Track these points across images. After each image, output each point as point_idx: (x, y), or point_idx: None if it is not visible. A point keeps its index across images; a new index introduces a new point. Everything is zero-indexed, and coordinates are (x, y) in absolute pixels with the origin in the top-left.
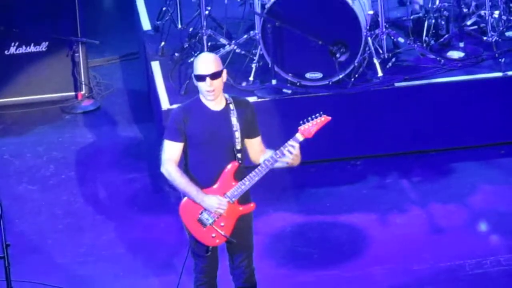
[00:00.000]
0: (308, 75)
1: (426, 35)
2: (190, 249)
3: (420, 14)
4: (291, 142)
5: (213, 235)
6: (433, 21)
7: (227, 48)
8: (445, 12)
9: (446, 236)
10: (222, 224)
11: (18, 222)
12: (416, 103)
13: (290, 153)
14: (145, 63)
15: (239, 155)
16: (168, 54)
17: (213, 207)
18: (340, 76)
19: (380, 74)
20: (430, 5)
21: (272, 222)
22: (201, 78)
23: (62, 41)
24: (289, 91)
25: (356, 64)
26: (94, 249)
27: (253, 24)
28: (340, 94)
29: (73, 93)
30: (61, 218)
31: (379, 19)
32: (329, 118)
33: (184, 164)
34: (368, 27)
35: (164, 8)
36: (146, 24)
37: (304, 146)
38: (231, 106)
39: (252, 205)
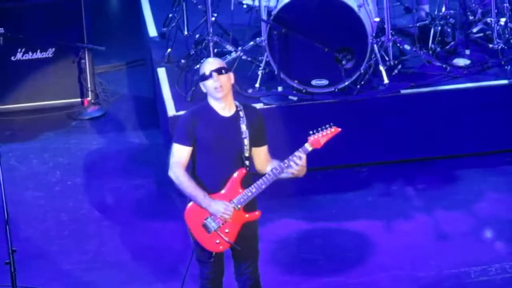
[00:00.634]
0: (314, 82)
1: (432, 43)
2: (195, 256)
3: (426, 22)
4: (298, 152)
5: (217, 241)
6: (439, 28)
7: (233, 54)
8: (451, 19)
9: (452, 243)
10: (226, 230)
11: (24, 228)
12: (422, 110)
13: (296, 164)
14: (151, 69)
15: (247, 162)
16: (174, 61)
17: (219, 212)
18: (346, 83)
19: (386, 81)
20: (436, 13)
21: (278, 229)
22: (208, 76)
23: (68, 48)
24: (295, 98)
25: (362, 71)
26: (100, 256)
27: (259, 31)
28: (346, 101)
29: (79, 100)
30: (66, 224)
31: (385, 26)
32: (339, 129)
33: (192, 169)
34: (374, 34)
35: (170, 15)
36: (152, 31)
37: (310, 152)
38: (241, 113)
39: (257, 213)
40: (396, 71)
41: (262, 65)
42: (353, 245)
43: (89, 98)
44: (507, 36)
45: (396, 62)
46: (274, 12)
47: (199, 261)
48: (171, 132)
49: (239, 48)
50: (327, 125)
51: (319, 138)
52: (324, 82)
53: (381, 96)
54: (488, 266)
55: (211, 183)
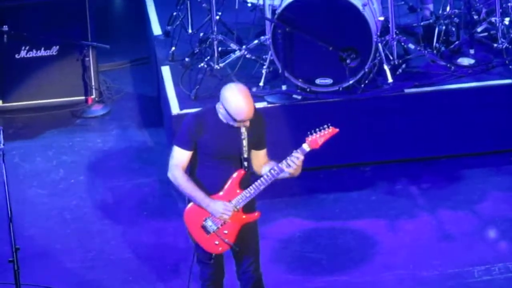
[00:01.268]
0: (318, 81)
1: (437, 42)
2: (196, 256)
3: (431, 21)
4: (296, 153)
5: (216, 242)
6: (444, 27)
7: (237, 53)
8: (455, 18)
9: (455, 242)
10: (225, 231)
11: (27, 226)
12: (426, 109)
13: (294, 163)
14: (155, 68)
15: (245, 164)
16: (178, 59)
17: (218, 212)
18: (350, 82)
19: (390, 80)
20: (440, 12)
21: (281, 228)
22: (239, 121)
23: (72, 45)
24: (299, 97)
25: (366, 70)
26: (103, 254)
27: (263, 29)
28: (350, 100)
29: (83, 98)
30: (70, 223)
31: (390, 25)
32: (337, 130)
33: (190, 169)
34: (378, 33)
35: (174, 13)
36: (156, 29)
37: (314, 151)
38: None
39: (256, 214)
40: (400, 70)
41: (266, 63)
42: (356, 244)
43: (93, 96)
44: (511, 35)
45: (400, 61)
46: (278, 11)
47: (199, 262)
48: (175, 131)
49: (243, 46)
50: (325, 125)
51: (317, 138)
52: (329, 81)
53: (385, 95)
54: (491, 266)
55: (210, 184)
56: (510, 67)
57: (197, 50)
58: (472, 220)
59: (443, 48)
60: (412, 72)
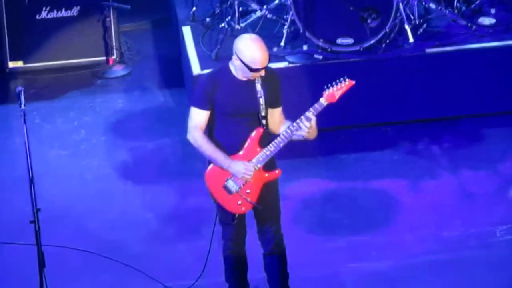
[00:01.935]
0: (339, 41)
1: (457, 1)
2: (218, 217)
3: None
4: (309, 113)
5: (239, 202)
6: None
7: (258, 13)
8: None
9: (477, 202)
10: (248, 191)
11: (48, 187)
12: (447, 69)
13: (306, 126)
14: (176, 28)
15: (264, 122)
16: (199, 19)
17: (240, 172)
18: (371, 42)
19: (411, 40)
20: None
21: (302, 188)
22: (254, 69)
23: (93, 6)
24: (320, 57)
25: (387, 30)
26: (125, 215)
27: None
28: (371, 60)
29: (104, 58)
30: (91, 184)
31: None
32: (353, 82)
33: (209, 130)
34: None
35: None
36: None
37: (335, 111)
38: None
39: (277, 171)
40: (421, 30)
41: (287, 23)
42: (377, 204)
43: (114, 57)
44: None
45: (421, 21)
46: None
47: (221, 223)
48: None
49: (264, 6)
50: (341, 78)
51: (334, 92)
52: (350, 41)
53: (406, 55)
54: None
55: (230, 144)
56: None
57: (218, 10)
58: (493, 179)
59: (464, 8)
60: (433, 32)
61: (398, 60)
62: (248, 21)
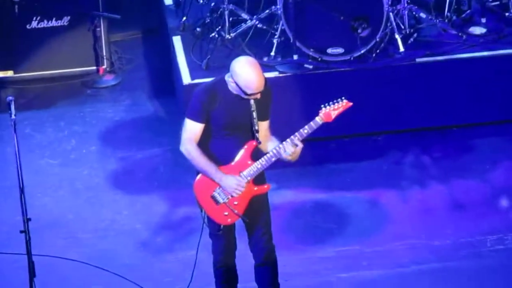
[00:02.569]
0: (329, 51)
1: (448, 11)
2: (208, 229)
3: None
4: (309, 125)
5: (226, 213)
6: None
7: (249, 23)
8: None
9: (467, 212)
10: (235, 202)
11: (39, 196)
12: (438, 78)
13: (291, 149)
14: (167, 38)
15: (257, 135)
16: (189, 29)
17: (230, 187)
18: (362, 52)
19: (401, 49)
20: None
21: (293, 198)
22: (249, 94)
23: (83, 16)
24: (311, 66)
25: (377, 39)
26: (115, 224)
27: None
28: (362, 70)
29: (94, 68)
30: (81, 193)
31: None
32: (351, 103)
33: (202, 142)
34: (390, 3)
35: None
36: None
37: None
38: None
39: (266, 186)
40: (411, 39)
41: (278, 33)
42: (368, 214)
43: (104, 66)
44: None
45: (411, 30)
46: None
47: (210, 234)
48: (186, 101)
49: (255, 16)
50: (339, 99)
51: (330, 111)
52: (340, 50)
53: (396, 65)
54: (504, 235)
55: (221, 156)
56: None
57: (208, 20)
58: (483, 189)
59: (454, 17)
60: (424, 41)
61: (389, 69)
62: (239, 30)
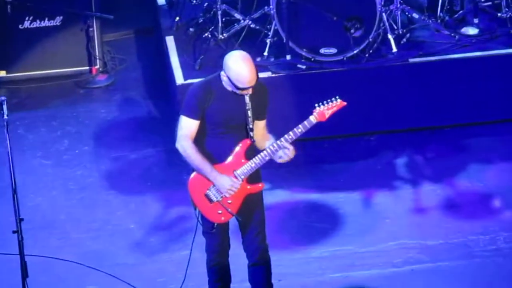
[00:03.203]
0: (322, 51)
1: (441, 11)
2: (202, 229)
3: None
4: (302, 124)
5: (219, 211)
6: None
7: (242, 23)
8: None
9: (460, 212)
10: (229, 201)
11: (32, 197)
12: (430, 78)
13: (286, 154)
14: (160, 38)
15: (251, 134)
16: (182, 29)
17: (224, 187)
18: (355, 52)
19: (394, 49)
20: None
21: (286, 197)
22: (241, 88)
23: (76, 16)
24: (304, 67)
25: (370, 39)
26: (108, 224)
27: None
28: (355, 70)
29: (87, 68)
30: (75, 193)
31: None
32: (345, 103)
33: (196, 139)
34: (382, 3)
35: None
36: None
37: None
38: None
39: (260, 185)
40: (404, 39)
41: (271, 33)
42: (361, 214)
43: (97, 67)
44: None
45: (404, 30)
46: None
47: (204, 233)
48: (179, 101)
49: (248, 16)
50: (333, 98)
51: (324, 110)
52: (333, 50)
53: (389, 65)
54: (496, 235)
55: (216, 153)
56: None
57: (202, 20)
58: (476, 189)
59: (447, 18)
60: (417, 42)
61: (382, 69)
62: (232, 31)
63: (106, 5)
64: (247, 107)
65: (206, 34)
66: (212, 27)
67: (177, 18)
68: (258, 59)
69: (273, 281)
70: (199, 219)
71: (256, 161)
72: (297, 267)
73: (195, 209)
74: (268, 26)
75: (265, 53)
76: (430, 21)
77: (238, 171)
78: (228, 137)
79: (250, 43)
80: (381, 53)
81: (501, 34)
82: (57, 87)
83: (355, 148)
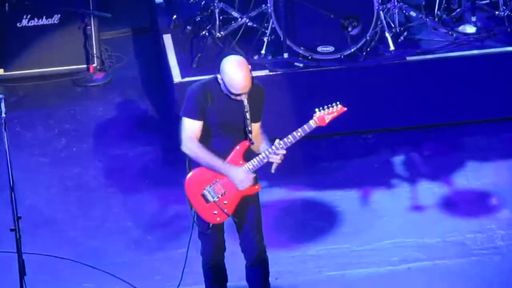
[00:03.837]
0: (320, 49)
1: (438, 9)
2: (197, 230)
3: None
4: (302, 128)
5: (215, 212)
6: None
7: (239, 21)
8: None
9: (457, 210)
10: (225, 202)
11: (29, 195)
12: (428, 77)
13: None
14: (157, 36)
15: (250, 136)
16: (180, 27)
17: (238, 179)
18: (352, 50)
19: (392, 48)
20: None
21: (283, 196)
22: (237, 94)
23: (74, 14)
24: (301, 65)
25: (368, 38)
26: (105, 222)
27: None
28: (352, 68)
29: (85, 66)
30: (72, 191)
31: None
32: (345, 108)
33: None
34: (380, 1)
35: None
36: None
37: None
38: None
39: (257, 187)
40: (402, 38)
41: (268, 32)
42: (358, 212)
43: (94, 65)
44: None
45: (402, 29)
46: None
47: (199, 235)
48: (177, 99)
49: (245, 15)
50: (333, 103)
51: (324, 115)
52: (330, 48)
53: (387, 63)
54: (493, 233)
55: (214, 154)
56: None
57: (199, 18)
58: (474, 187)
59: (444, 16)
60: (414, 40)
61: (379, 68)
62: (229, 29)
63: (104, 4)
64: (246, 110)
65: (203, 32)
66: (210, 26)
67: (175, 16)
68: (256, 57)
69: (270, 279)
70: (195, 219)
71: (254, 163)
72: (293, 265)
73: (191, 209)
74: (265, 24)
75: (263, 51)
76: (428, 19)
77: None
78: (226, 138)
79: (248, 41)
80: (379, 52)
81: (498, 32)
82: (54, 85)
83: (352, 146)
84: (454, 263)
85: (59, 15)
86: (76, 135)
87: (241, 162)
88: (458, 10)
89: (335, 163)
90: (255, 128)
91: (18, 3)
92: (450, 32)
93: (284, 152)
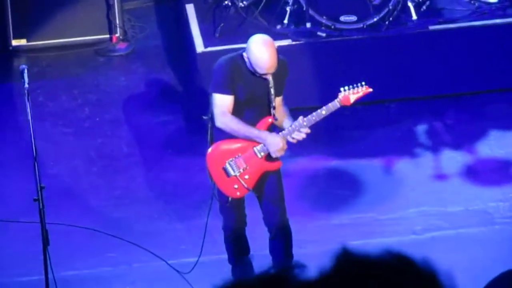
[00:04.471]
0: (342, 18)
1: None
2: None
3: None
4: (326, 107)
5: (236, 186)
6: None
7: None
8: None
9: (480, 178)
10: (246, 176)
11: (52, 165)
12: (450, 46)
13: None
14: (180, 6)
15: (273, 111)
16: None
17: (274, 145)
18: (375, 20)
19: (414, 17)
20: None
21: (306, 165)
22: (263, 74)
23: None
24: (324, 34)
25: (390, 7)
26: (129, 192)
27: None
28: (374, 38)
29: (107, 36)
30: (95, 161)
31: None
32: (370, 89)
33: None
34: None
35: None
36: None
37: (337, 89)
38: None
39: (278, 163)
40: (424, 7)
41: (291, 1)
42: (381, 181)
43: (117, 35)
44: None
45: None
46: None
47: (220, 209)
48: (199, 69)
49: None
50: (359, 83)
51: (350, 95)
52: (353, 18)
53: (409, 33)
54: None
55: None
56: None
57: None
58: (497, 156)
59: None
60: (436, 9)
61: (401, 37)
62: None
63: None
64: (270, 85)
65: (226, 2)
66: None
67: None
68: (278, 27)
69: (294, 248)
70: (215, 192)
71: (285, 133)
72: (317, 234)
73: (211, 181)
74: None
75: (285, 21)
76: None
77: (258, 147)
78: (250, 112)
79: (270, 11)
80: (401, 21)
81: None
82: (77, 56)
83: (375, 115)
84: (477, 232)
85: None
86: (99, 105)
87: None
88: None
89: (358, 132)
90: (277, 101)
91: None
92: (472, 1)
93: (309, 131)
